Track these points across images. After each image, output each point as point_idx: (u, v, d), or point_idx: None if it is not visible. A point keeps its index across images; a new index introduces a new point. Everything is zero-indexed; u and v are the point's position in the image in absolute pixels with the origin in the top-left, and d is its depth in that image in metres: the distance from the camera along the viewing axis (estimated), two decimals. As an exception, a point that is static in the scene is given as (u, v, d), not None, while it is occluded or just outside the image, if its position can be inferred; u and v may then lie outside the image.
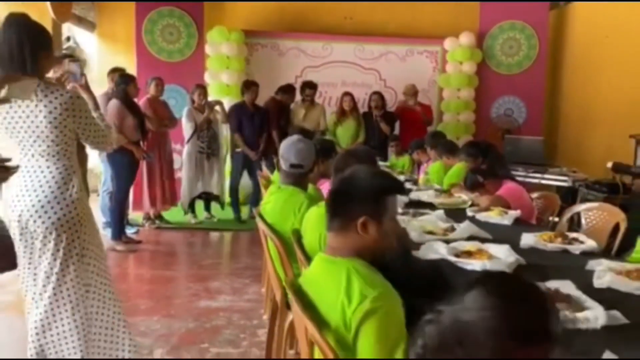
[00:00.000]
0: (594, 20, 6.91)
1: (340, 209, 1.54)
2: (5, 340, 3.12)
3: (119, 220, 5.19)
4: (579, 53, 7.18)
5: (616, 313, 1.61)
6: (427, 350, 0.92)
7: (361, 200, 1.51)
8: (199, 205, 6.31)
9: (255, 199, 6.40)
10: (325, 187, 3.13)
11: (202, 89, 6.17)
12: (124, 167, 5.13)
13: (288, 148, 2.75)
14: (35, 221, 2.23)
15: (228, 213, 6.35)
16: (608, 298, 1.75)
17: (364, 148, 2.65)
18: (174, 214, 6.17)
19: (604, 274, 1.95)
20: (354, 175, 1.58)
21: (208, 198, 6.32)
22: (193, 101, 6.07)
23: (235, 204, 6.28)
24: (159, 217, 6.13)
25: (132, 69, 6.30)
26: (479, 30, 7.53)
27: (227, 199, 6.42)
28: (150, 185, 5.88)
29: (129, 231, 5.53)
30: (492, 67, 7.58)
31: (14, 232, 2.26)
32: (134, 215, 6.06)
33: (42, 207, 2.22)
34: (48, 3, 4.91)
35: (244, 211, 6.36)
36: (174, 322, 3.44)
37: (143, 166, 5.65)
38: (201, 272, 4.64)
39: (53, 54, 2.47)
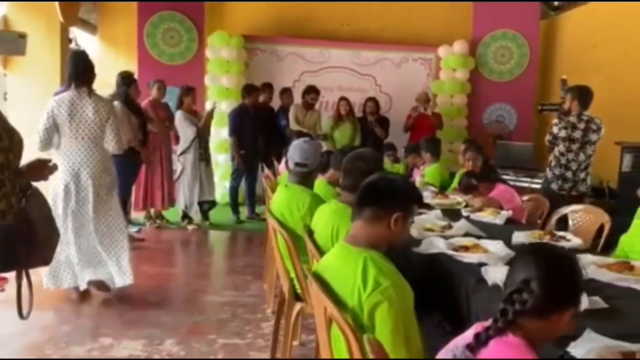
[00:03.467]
0: (582, 30, 7.17)
1: (378, 200, 1.72)
2: None
3: (122, 219, 5.34)
4: (568, 61, 7.43)
5: (597, 299, 1.82)
6: (523, 313, 1.23)
7: (400, 198, 1.72)
8: (196, 211, 6.20)
9: (251, 199, 6.57)
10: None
11: (194, 91, 6.12)
12: (126, 167, 5.24)
13: (294, 148, 2.96)
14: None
15: (226, 213, 6.51)
16: (591, 287, 1.95)
17: (370, 150, 2.82)
18: (174, 214, 6.31)
19: (588, 266, 2.15)
20: (393, 177, 1.81)
21: (210, 207, 6.28)
22: (181, 102, 5.97)
23: (235, 206, 6.43)
24: (159, 216, 6.27)
25: (133, 72, 6.43)
26: (472, 38, 7.77)
27: (225, 200, 6.56)
28: (151, 185, 6.00)
29: (131, 230, 5.65)
30: (484, 75, 7.82)
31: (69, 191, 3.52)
32: (135, 214, 6.19)
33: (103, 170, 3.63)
34: (57, 4, 5.02)
35: (242, 212, 6.53)
36: (181, 315, 3.60)
37: (144, 167, 5.78)
38: (203, 269, 4.79)
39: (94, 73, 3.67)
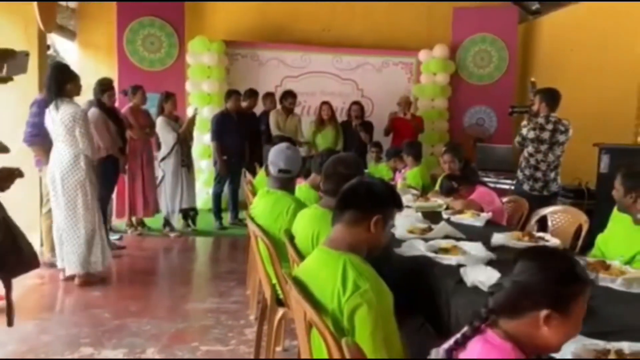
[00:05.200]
0: (559, 33, 7.29)
1: (358, 204, 1.73)
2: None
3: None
4: (546, 65, 7.54)
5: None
6: (495, 311, 1.24)
7: (380, 201, 1.74)
8: (178, 218, 6.20)
9: (234, 205, 6.55)
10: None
11: (174, 97, 6.05)
12: (105, 173, 5.18)
13: (277, 155, 2.94)
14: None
15: (209, 219, 6.47)
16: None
17: (351, 155, 2.84)
18: (156, 221, 6.25)
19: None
20: (373, 180, 1.84)
21: (193, 214, 6.25)
22: (162, 109, 5.92)
23: (218, 211, 6.40)
24: (141, 224, 6.21)
25: (113, 78, 6.37)
26: (452, 42, 7.84)
27: (208, 206, 6.52)
28: (132, 192, 5.94)
29: (112, 237, 5.59)
30: (464, 78, 7.90)
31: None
32: (117, 222, 6.13)
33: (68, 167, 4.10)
34: (36, 9, 4.95)
35: (225, 218, 6.50)
36: (163, 322, 3.56)
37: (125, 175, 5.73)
38: (186, 276, 4.76)
39: (78, 83, 4.20)
